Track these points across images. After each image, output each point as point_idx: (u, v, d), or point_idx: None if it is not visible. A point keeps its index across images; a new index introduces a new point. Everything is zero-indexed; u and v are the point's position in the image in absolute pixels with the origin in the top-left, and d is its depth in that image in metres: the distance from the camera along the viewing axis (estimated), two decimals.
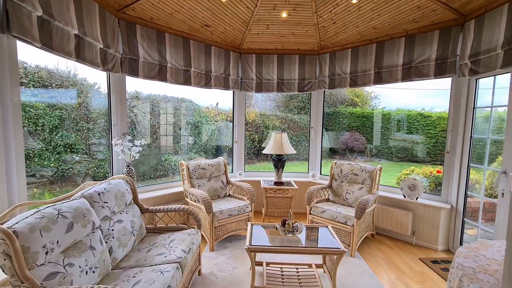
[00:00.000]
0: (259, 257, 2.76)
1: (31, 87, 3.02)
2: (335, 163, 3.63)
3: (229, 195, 3.63)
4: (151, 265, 1.87)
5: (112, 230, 1.96)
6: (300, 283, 2.28)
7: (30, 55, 2.96)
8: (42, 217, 1.43)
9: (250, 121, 7.09)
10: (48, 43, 1.93)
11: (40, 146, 3.10)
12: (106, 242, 1.87)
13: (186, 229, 2.47)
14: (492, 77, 2.70)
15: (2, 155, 1.73)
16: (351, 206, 3.27)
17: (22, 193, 1.90)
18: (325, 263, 2.55)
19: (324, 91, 4.29)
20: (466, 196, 2.99)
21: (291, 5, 3.24)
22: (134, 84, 4.29)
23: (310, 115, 4.47)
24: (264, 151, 4.05)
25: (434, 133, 6.79)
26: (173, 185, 3.73)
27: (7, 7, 1.65)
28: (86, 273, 1.55)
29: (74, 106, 3.40)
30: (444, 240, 3.12)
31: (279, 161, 3.95)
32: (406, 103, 7.46)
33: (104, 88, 3.07)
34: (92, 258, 1.64)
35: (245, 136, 4.55)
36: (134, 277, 1.71)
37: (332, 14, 3.33)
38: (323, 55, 4.04)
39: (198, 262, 2.45)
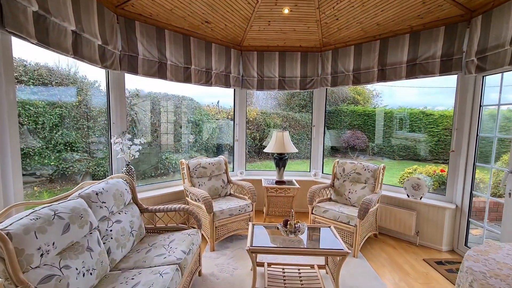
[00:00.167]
0: (261, 257, 2.72)
1: (31, 85, 2.99)
2: (338, 162, 3.58)
3: (230, 194, 3.59)
4: (150, 267, 1.83)
5: (111, 230, 1.92)
6: (302, 284, 2.24)
7: (29, 52, 2.93)
8: (37, 218, 1.39)
9: (251, 119, 7.03)
10: (44, 39, 1.88)
11: (40, 145, 3.07)
12: (104, 243, 1.83)
13: (186, 229, 2.43)
14: (500, 74, 2.64)
15: None
16: (354, 206, 3.22)
17: (18, 193, 1.86)
18: (327, 264, 2.51)
19: (326, 89, 4.23)
20: (471, 195, 2.93)
21: (293, 1, 3.17)
22: (134, 82, 4.24)
23: (312, 113, 4.42)
24: (265, 150, 4.01)
25: (437, 131, 6.72)
26: (173, 184, 3.68)
27: (1, 2, 1.60)
28: (83, 275, 1.51)
29: (74, 104, 3.37)
30: (449, 241, 3.07)
31: (280, 160, 3.90)
32: (408, 101, 7.41)
33: (104, 86, 3.03)
34: (90, 259, 1.60)
35: (246, 135, 4.50)
36: (132, 279, 1.67)
37: (335, 10, 3.27)
38: (326, 52, 3.97)
39: (198, 262, 2.41)
